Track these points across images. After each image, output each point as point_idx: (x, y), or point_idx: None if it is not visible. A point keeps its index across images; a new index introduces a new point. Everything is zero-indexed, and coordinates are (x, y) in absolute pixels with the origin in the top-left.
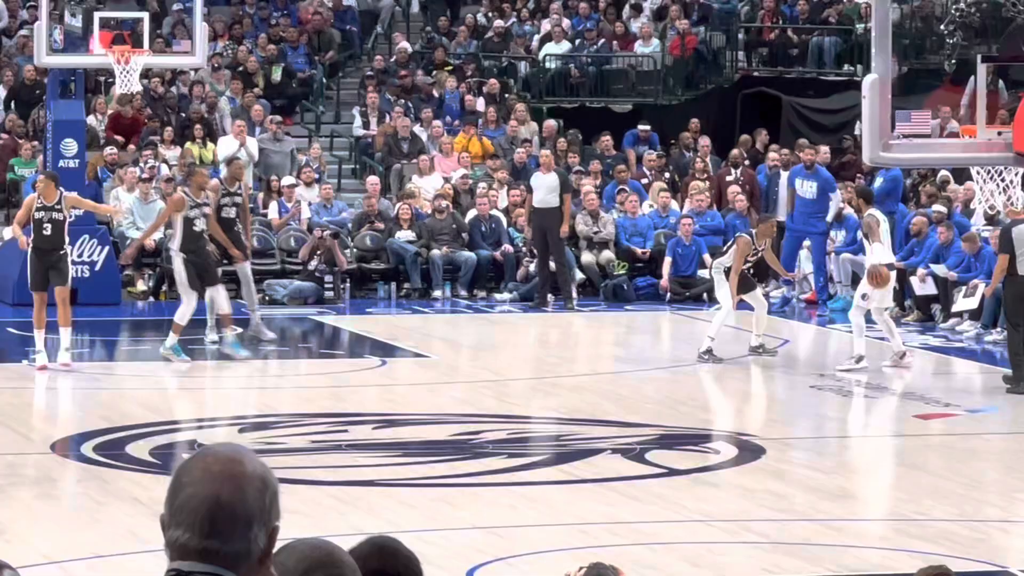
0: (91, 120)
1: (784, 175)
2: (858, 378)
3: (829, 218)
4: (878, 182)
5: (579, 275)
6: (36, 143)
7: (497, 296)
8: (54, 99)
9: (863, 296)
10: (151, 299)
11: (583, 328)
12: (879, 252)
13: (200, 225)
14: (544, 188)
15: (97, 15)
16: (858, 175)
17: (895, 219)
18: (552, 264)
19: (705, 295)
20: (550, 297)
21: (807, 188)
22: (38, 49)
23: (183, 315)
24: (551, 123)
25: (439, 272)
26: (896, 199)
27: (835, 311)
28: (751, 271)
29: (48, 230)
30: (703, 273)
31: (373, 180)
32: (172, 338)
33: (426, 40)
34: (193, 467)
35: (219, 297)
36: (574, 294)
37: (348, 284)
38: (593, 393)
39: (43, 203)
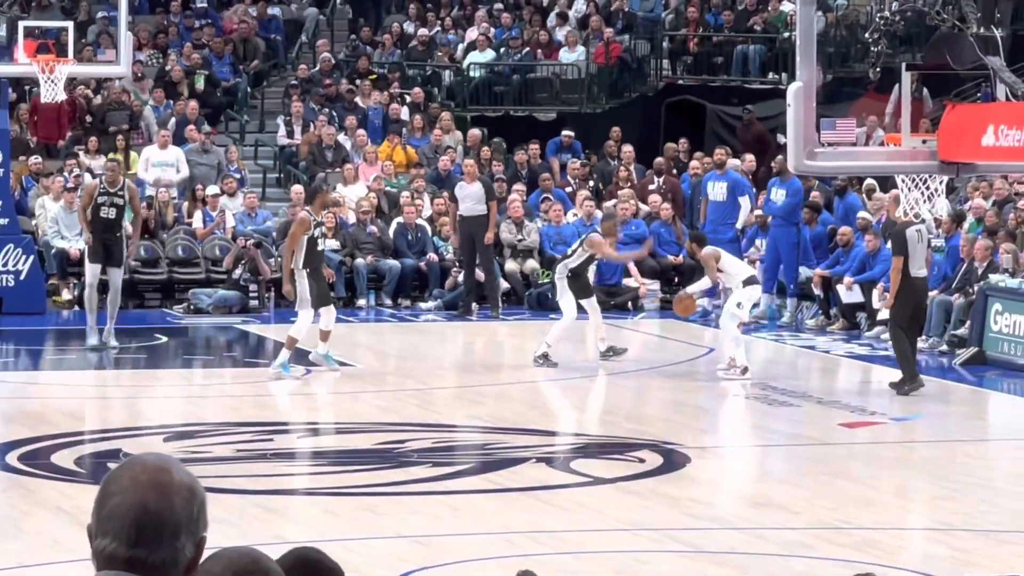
0: (15, 128)
1: None
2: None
3: (739, 224)
4: (779, 195)
5: (504, 284)
6: None
7: (422, 305)
8: None
9: (737, 305)
10: (76, 308)
11: (507, 337)
12: (705, 284)
13: (322, 244)
14: (470, 197)
15: (21, 24)
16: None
17: (803, 231)
18: (479, 272)
19: (630, 303)
20: (475, 306)
21: (717, 190)
22: None
23: (299, 330)
24: (475, 132)
25: (363, 281)
26: (799, 212)
27: (757, 320)
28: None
29: None
30: (628, 282)
31: (297, 189)
32: (285, 355)
33: (350, 49)
34: (120, 476)
35: (329, 315)
36: (499, 302)
37: (272, 293)
38: (518, 402)
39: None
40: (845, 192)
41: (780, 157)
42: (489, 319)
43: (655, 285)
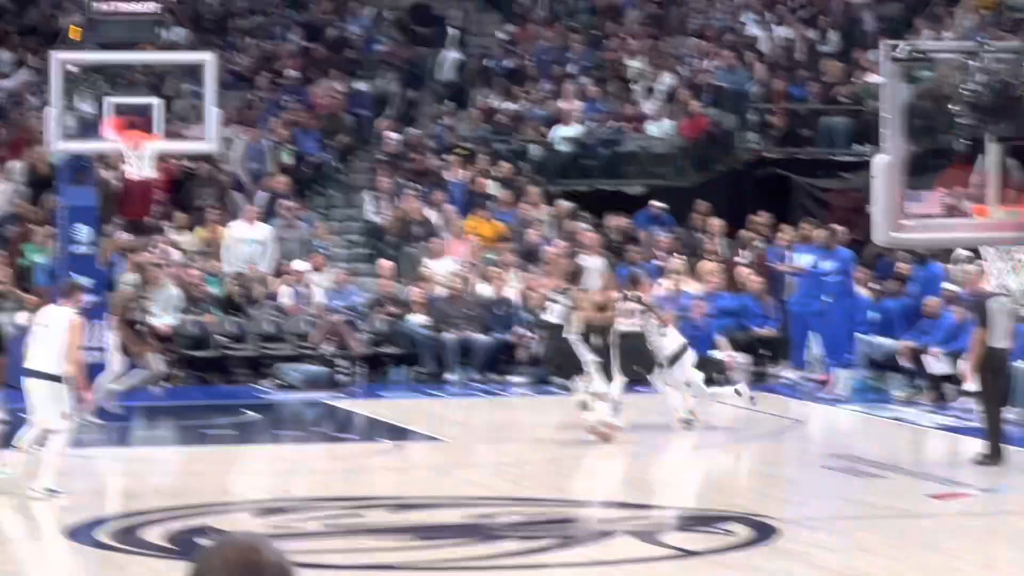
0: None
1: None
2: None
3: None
4: (829, 266)
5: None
6: (47, 228)
7: (511, 379)
8: (66, 185)
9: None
10: (168, 385)
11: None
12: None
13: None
14: (592, 271)
15: (109, 100)
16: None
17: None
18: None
19: (714, 374)
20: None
21: (805, 262)
22: (50, 135)
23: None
24: (564, 204)
25: (452, 355)
26: (851, 281)
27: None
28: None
29: None
30: (716, 353)
31: (386, 264)
32: (602, 408)
33: (438, 124)
34: (211, 556)
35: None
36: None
37: (362, 368)
38: (606, 475)
39: None
40: (925, 260)
41: (824, 229)
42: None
43: (743, 357)
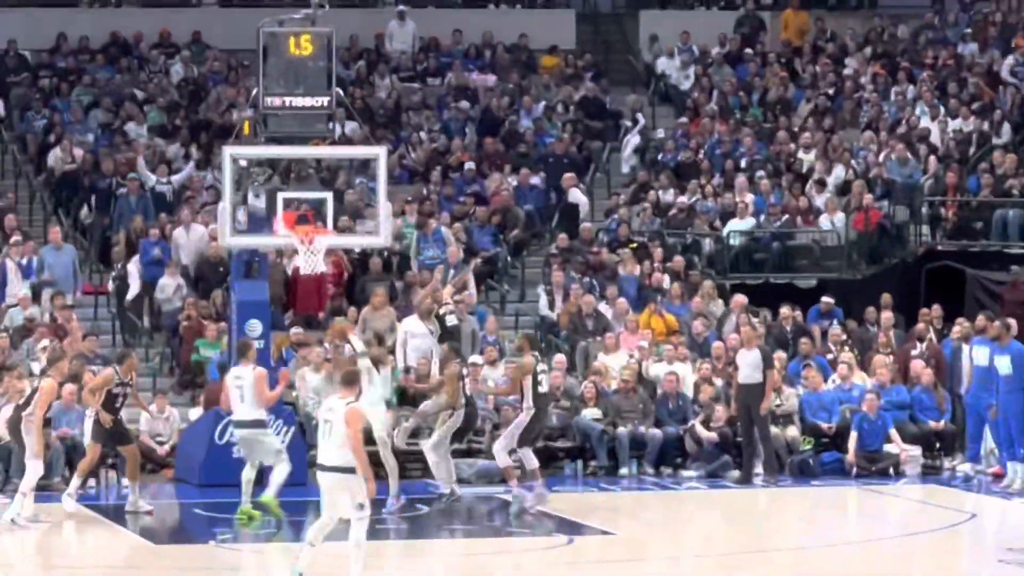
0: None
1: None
2: None
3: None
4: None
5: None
6: (221, 324)
7: (684, 473)
8: (238, 279)
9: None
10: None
11: (769, 504)
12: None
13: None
14: (748, 364)
15: (280, 195)
16: None
17: None
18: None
19: (891, 469)
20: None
21: (980, 356)
22: (222, 230)
23: None
24: (740, 297)
25: (625, 450)
26: None
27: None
28: None
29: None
30: (890, 448)
31: (560, 358)
32: None
33: (611, 218)
34: None
35: None
36: (776, 470)
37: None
38: (780, 568)
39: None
40: None
41: (997, 323)
42: (767, 486)
43: (916, 451)
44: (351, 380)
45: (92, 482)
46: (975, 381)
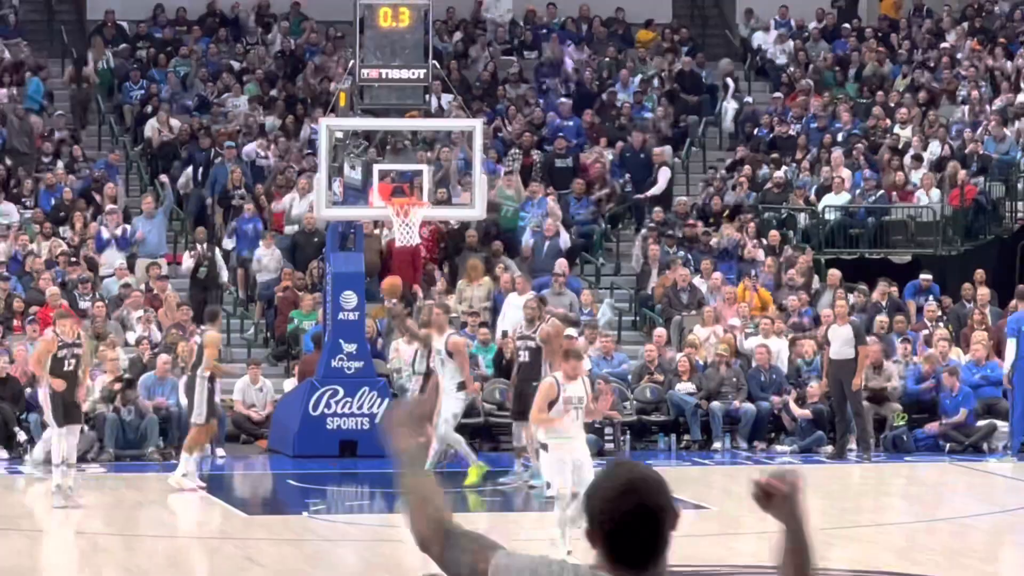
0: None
1: None
2: None
3: None
4: None
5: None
6: (316, 295)
7: (777, 448)
8: (333, 251)
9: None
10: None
11: (862, 479)
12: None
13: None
14: (840, 340)
15: (376, 167)
16: None
17: None
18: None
19: (984, 444)
20: (851, 447)
21: None
22: (318, 201)
23: None
24: (835, 272)
25: (719, 424)
26: None
27: None
28: None
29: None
30: (982, 424)
31: (660, 332)
32: None
33: (707, 191)
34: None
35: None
36: (871, 446)
37: (628, 436)
38: (870, 543)
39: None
40: None
41: None
42: (860, 461)
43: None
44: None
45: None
46: None
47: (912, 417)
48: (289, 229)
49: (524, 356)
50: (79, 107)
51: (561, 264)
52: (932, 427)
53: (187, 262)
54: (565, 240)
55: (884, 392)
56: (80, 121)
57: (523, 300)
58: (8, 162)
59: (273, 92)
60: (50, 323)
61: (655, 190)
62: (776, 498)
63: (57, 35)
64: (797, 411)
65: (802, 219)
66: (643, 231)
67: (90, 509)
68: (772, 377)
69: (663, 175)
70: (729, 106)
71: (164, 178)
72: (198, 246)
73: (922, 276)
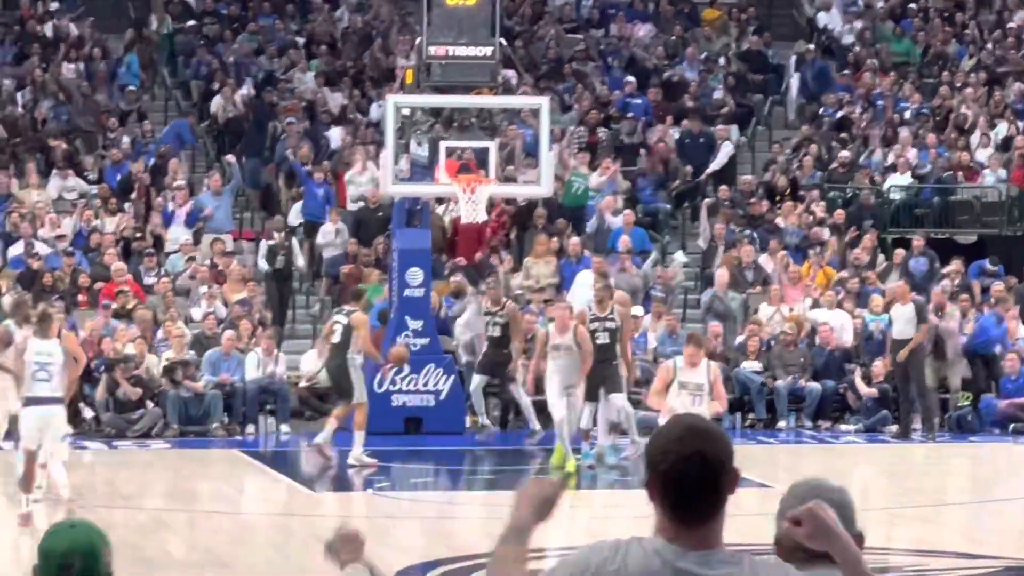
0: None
1: None
2: None
3: None
4: None
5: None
6: (381, 272)
7: (842, 427)
8: (400, 228)
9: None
10: (496, 429)
11: (926, 459)
12: None
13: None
14: (903, 319)
15: (443, 144)
16: None
17: None
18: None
19: None
20: (915, 427)
21: None
22: (384, 178)
23: None
24: (900, 252)
25: (784, 402)
26: None
27: None
28: None
29: None
30: None
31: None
32: None
33: (769, 170)
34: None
35: None
36: (935, 425)
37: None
38: (936, 524)
39: None
40: None
41: None
42: (924, 441)
43: None
44: None
45: (251, 428)
46: None
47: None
48: (352, 205)
49: (604, 338)
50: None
51: (624, 242)
52: (998, 402)
53: (262, 251)
54: (631, 218)
55: (947, 380)
56: (142, 88)
57: (591, 279)
58: (72, 138)
59: (340, 68)
60: (113, 297)
61: (715, 165)
62: (815, 529)
63: (124, 13)
64: (864, 389)
65: (868, 198)
66: (707, 209)
67: (154, 485)
68: (837, 356)
69: (724, 151)
70: (795, 85)
71: (231, 158)
72: (275, 235)
73: (990, 257)
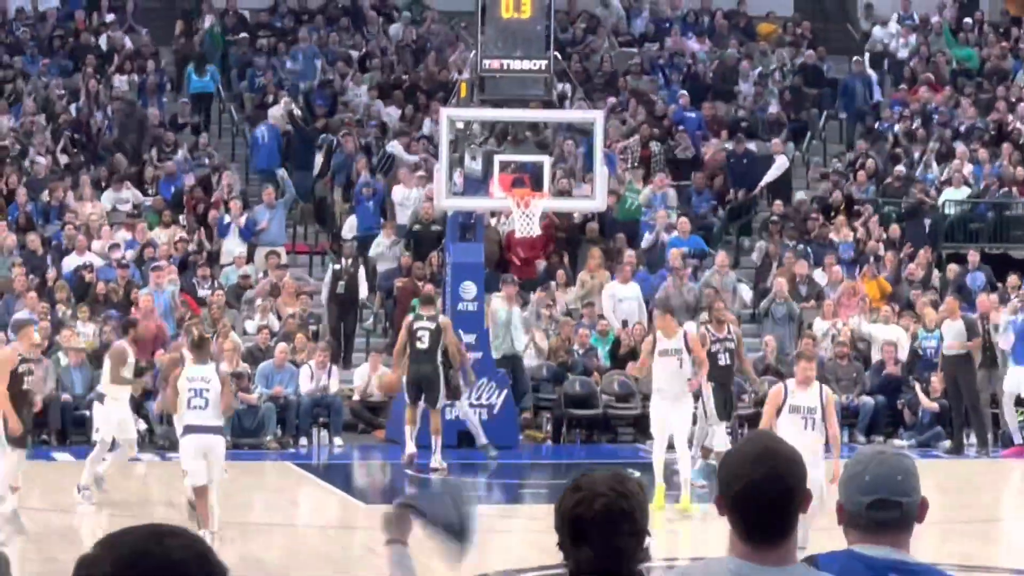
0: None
1: None
2: None
3: None
4: None
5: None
6: (434, 286)
7: (896, 442)
8: (453, 242)
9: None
10: (550, 443)
11: (979, 473)
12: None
13: (723, 360)
14: (952, 334)
15: (497, 158)
16: None
17: None
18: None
19: None
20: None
21: None
22: (438, 191)
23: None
24: (953, 267)
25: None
26: None
27: None
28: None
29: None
30: None
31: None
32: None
33: (826, 184)
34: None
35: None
36: (987, 441)
37: (746, 429)
38: (985, 540)
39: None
40: None
41: None
42: (978, 457)
43: None
44: None
45: (304, 441)
46: None
47: None
48: (401, 220)
49: (725, 359)
50: (182, 63)
51: (675, 257)
52: None
53: (327, 277)
54: (686, 226)
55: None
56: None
57: (627, 290)
58: (127, 151)
59: (394, 81)
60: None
61: (768, 177)
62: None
63: (176, 25)
64: (926, 402)
65: (923, 213)
66: (761, 224)
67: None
68: (890, 371)
69: (778, 165)
70: (850, 99)
71: (283, 172)
72: (343, 260)
73: None
